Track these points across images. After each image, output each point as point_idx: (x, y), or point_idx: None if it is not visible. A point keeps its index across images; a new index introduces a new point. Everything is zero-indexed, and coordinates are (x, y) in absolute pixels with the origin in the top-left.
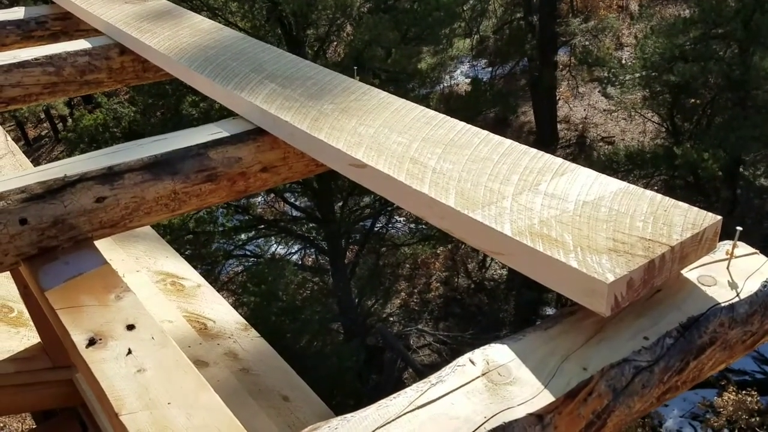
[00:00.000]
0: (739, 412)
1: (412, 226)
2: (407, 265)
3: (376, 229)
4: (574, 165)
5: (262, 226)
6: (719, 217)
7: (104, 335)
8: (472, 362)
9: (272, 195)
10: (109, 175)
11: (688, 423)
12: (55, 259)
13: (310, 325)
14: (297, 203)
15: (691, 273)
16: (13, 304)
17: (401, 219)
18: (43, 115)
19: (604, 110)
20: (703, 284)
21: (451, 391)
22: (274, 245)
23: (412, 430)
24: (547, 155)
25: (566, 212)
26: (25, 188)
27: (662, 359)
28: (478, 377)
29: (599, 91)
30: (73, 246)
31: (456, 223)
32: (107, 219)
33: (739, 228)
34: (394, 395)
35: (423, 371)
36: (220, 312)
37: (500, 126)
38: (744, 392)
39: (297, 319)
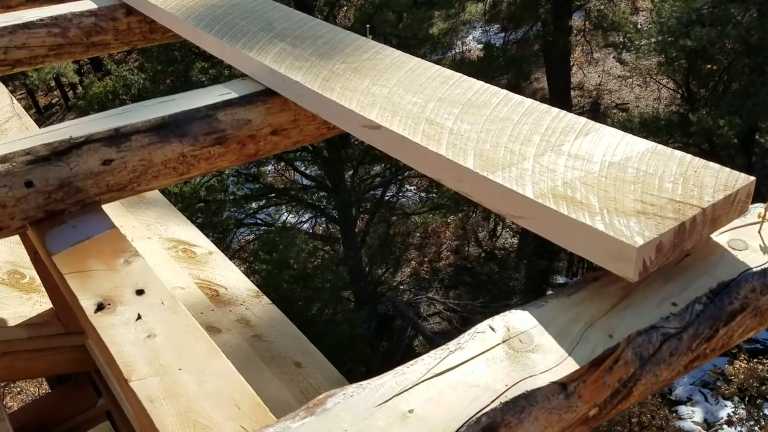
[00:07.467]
0: (750, 380)
1: (423, 195)
2: (418, 234)
3: (386, 198)
4: (598, 125)
5: (273, 194)
6: (752, 178)
7: (113, 300)
8: (492, 329)
9: (282, 163)
10: (116, 137)
11: (699, 391)
12: (62, 222)
13: (321, 292)
14: (307, 172)
15: (721, 237)
16: (25, 270)
17: (412, 188)
18: (53, 83)
19: (619, 76)
20: (733, 248)
21: (471, 359)
22: (285, 214)
23: (431, 398)
24: (570, 114)
25: (591, 173)
26: (30, 150)
27: (691, 326)
28: (499, 344)
29: (614, 57)
30: (80, 209)
31: (475, 185)
32: (114, 182)
33: None
34: (412, 362)
35: (433, 338)
36: (232, 279)
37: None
38: (755, 360)
39: (308, 287)
